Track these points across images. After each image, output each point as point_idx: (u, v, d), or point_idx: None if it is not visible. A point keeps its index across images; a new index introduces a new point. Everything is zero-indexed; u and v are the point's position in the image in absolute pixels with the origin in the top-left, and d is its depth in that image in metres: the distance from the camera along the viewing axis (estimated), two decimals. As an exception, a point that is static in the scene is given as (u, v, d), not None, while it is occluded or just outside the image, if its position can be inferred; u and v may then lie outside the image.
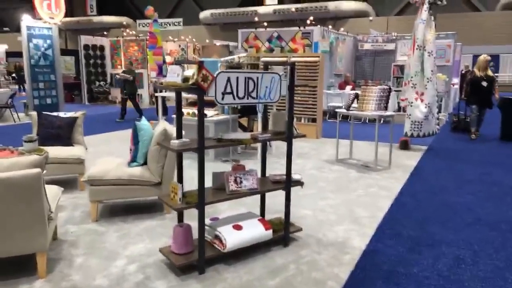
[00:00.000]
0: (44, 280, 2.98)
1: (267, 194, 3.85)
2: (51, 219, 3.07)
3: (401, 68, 12.50)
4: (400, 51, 13.81)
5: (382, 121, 9.92)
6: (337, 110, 6.79)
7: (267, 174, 3.81)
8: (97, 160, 4.62)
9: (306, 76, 8.96)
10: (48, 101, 11.67)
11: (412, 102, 7.56)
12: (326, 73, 12.58)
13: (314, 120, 8.98)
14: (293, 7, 26.04)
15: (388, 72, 13.70)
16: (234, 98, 3.10)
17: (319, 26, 12.32)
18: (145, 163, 4.28)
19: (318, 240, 3.76)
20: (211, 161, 6.58)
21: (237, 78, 3.09)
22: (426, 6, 7.36)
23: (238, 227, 3.33)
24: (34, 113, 5.37)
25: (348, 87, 12.22)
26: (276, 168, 6.25)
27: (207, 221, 3.44)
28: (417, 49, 7.43)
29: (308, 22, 12.55)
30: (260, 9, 27.57)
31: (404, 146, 7.84)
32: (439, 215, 4.44)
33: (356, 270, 3.21)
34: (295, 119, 9.19)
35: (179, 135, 3.27)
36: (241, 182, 3.34)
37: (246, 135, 3.31)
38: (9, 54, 25.54)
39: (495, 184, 5.59)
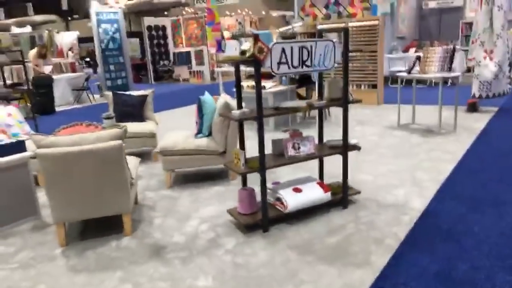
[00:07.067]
0: (130, 237, 3.42)
1: (326, 161, 4.01)
2: (132, 185, 3.49)
3: (470, 25, 11.71)
4: (469, 7, 12.92)
5: (449, 83, 9.57)
6: (398, 74, 6.65)
7: (324, 141, 3.95)
8: (166, 134, 5.02)
9: (365, 41, 8.79)
10: (119, 82, 12.54)
11: (480, 61, 7.16)
12: (387, 36, 12.18)
13: (374, 86, 8.84)
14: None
15: (456, 31, 12.92)
16: (289, 68, 3.24)
17: (379, -13, 11.84)
18: (210, 134, 4.60)
19: (377, 202, 3.87)
20: (271, 131, 6.80)
21: (292, 48, 3.22)
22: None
23: (298, 190, 3.54)
24: (109, 93, 5.89)
25: (411, 50, 11.75)
26: (334, 136, 6.31)
27: (269, 185, 3.69)
28: (484, 4, 6.99)
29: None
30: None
31: (472, 108, 7.51)
32: (506, 176, 4.32)
33: (415, 229, 3.31)
34: (354, 86, 9.25)
35: (239, 106, 3.50)
36: (299, 147, 3.52)
37: (302, 103, 3.45)
38: (80, 40, 27.20)
39: None
